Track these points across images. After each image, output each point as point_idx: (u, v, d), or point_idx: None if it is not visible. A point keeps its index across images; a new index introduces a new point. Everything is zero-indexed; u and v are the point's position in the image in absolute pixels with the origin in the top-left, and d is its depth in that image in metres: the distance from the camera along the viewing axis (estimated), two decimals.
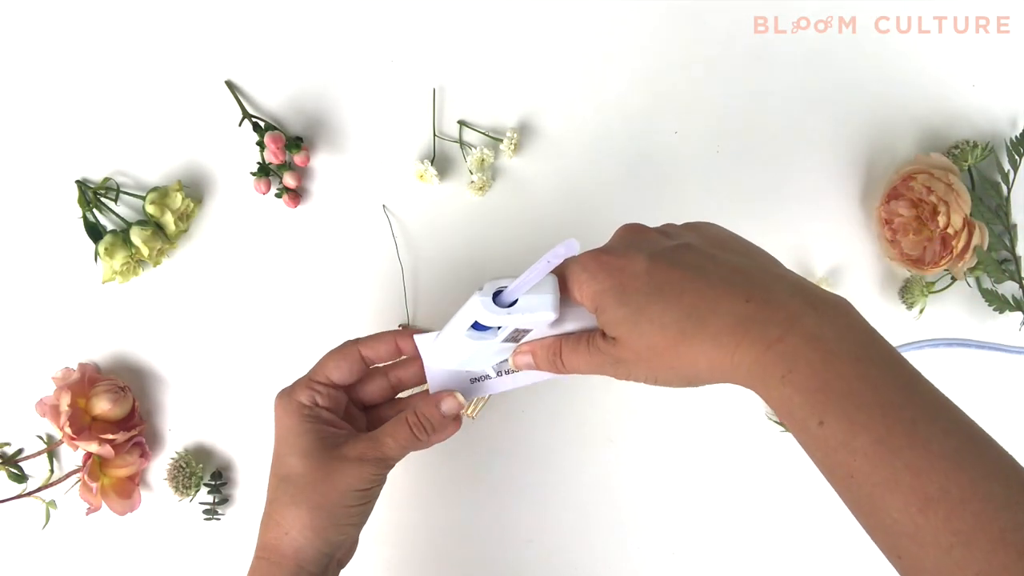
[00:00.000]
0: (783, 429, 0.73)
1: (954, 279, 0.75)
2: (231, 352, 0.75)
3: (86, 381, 0.71)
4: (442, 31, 0.76)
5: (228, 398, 0.74)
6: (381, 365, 0.61)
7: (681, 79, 0.76)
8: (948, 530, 0.37)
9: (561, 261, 0.47)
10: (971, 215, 0.71)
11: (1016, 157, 0.74)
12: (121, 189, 0.74)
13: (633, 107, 0.76)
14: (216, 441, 0.75)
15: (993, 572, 0.36)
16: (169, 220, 0.71)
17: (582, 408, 0.75)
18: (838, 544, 0.75)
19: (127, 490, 0.72)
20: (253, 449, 0.74)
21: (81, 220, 0.73)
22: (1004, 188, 0.74)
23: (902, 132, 0.77)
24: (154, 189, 0.72)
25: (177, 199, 0.72)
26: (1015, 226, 0.74)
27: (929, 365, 0.74)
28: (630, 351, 0.48)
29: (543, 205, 0.76)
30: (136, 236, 0.71)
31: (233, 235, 0.75)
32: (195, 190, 0.75)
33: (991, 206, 0.74)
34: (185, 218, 0.74)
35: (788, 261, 0.74)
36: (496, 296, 0.51)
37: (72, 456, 0.72)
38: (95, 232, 0.73)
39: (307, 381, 0.58)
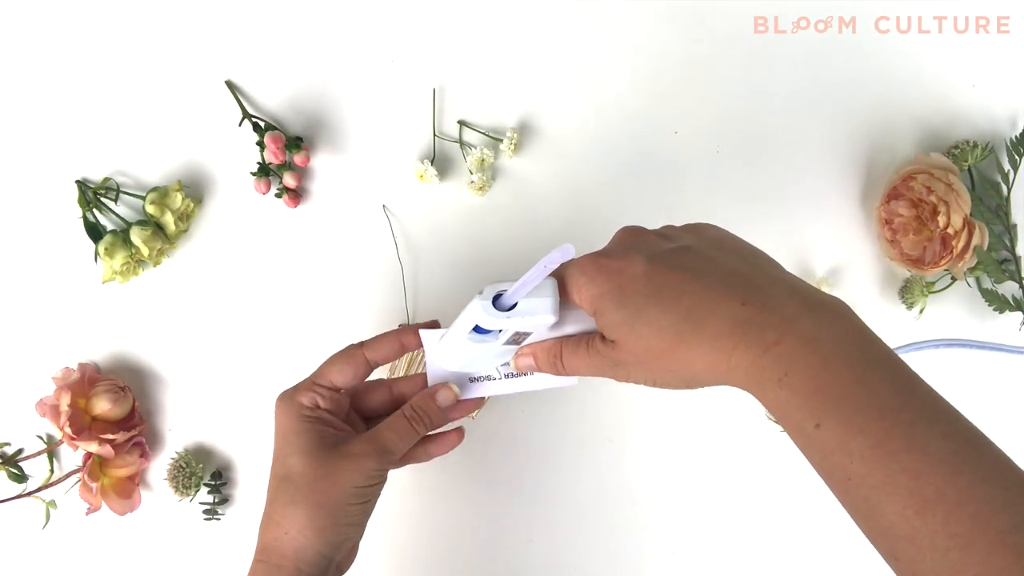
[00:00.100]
0: (782, 430, 0.72)
1: (954, 279, 0.75)
2: (231, 352, 0.75)
3: (86, 381, 0.71)
4: (442, 31, 0.76)
5: (228, 398, 0.74)
6: (385, 378, 0.62)
7: (681, 79, 0.76)
8: (945, 533, 0.37)
9: (557, 266, 0.47)
10: (971, 215, 0.71)
11: (1016, 157, 0.74)
12: (121, 189, 0.74)
13: (633, 107, 0.76)
14: (216, 441, 0.75)
15: (990, 574, 0.36)
16: (169, 220, 0.71)
17: (581, 408, 0.75)
18: (837, 545, 0.75)
19: (127, 490, 0.72)
20: (253, 449, 0.74)
21: (81, 220, 0.73)
22: (1004, 188, 0.74)
23: (902, 132, 0.77)
24: (154, 189, 0.72)
25: (177, 199, 0.72)
26: (1015, 226, 0.74)
27: (929, 365, 0.74)
28: (628, 354, 0.49)
29: (543, 205, 0.76)
30: (136, 236, 0.71)
31: (233, 235, 0.75)
32: (195, 190, 0.75)
33: (991, 206, 0.74)
34: (185, 218, 0.74)
35: (788, 261, 0.74)
36: (496, 300, 0.51)
37: (72, 456, 0.72)
38: (95, 232, 0.73)
39: (309, 384, 0.58)
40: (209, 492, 0.73)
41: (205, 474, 0.74)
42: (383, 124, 0.76)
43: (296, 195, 0.74)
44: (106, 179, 0.74)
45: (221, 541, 0.74)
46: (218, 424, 0.75)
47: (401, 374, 0.73)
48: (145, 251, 0.71)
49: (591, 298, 0.49)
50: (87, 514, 0.70)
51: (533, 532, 0.75)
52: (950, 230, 0.71)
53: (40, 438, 0.74)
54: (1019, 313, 0.74)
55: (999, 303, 0.73)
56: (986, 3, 0.77)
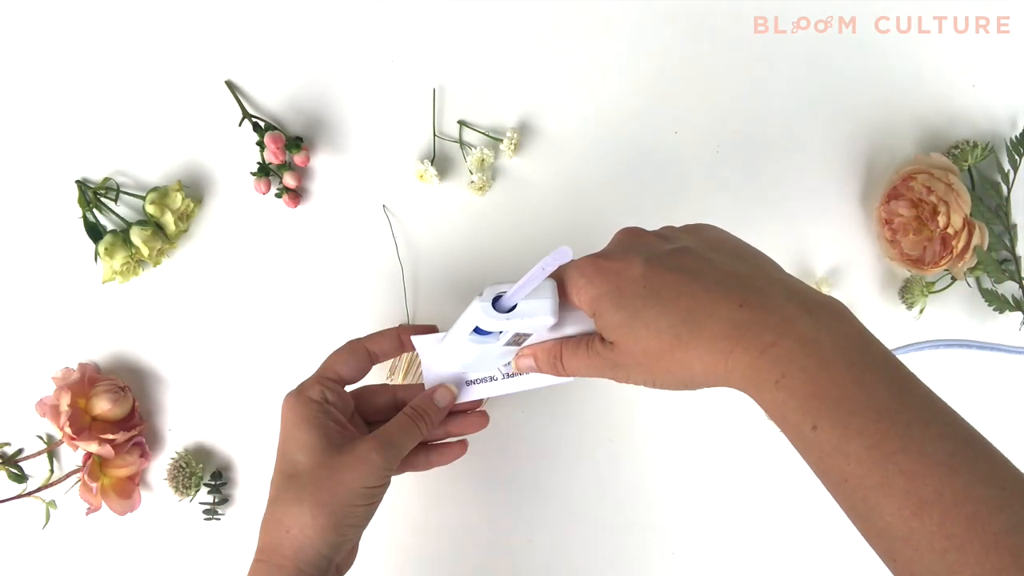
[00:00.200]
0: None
1: (954, 279, 0.75)
2: (231, 352, 0.75)
3: (86, 381, 0.71)
4: (442, 31, 0.76)
5: (228, 398, 0.74)
6: (389, 383, 0.64)
7: (681, 79, 0.76)
8: (942, 534, 0.37)
9: (555, 268, 0.47)
10: (971, 215, 0.71)
11: (1016, 157, 0.74)
12: (121, 189, 0.74)
13: (633, 107, 0.76)
14: (216, 441, 0.75)
15: (987, 575, 0.36)
16: (169, 220, 0.72)
17: (581, 408, 0.75)
18: (836, 545, 0.75)
19: (127, 490, 0.72)
20: (253, 449, 0.75)
21: (81, 220, 0.73)
22: (1004, 188, 0.74)
23: (902, 132, 0.77)
24: (154, 189, 0.72)
25: (177, 199, 0.72)
26: (1015, 226, 0.74)
27: (929, 365, 0.74)
28: (627, 355, 0.49)
29: (543, 205, 0.76)
30: (136, 236, 0.71)
31: (233, 235, 0.75)
32: (195, 190, 0.75)
33: (991, 206, 0.74)
34: (185, 218, 0.74)
35: (788, 261, 0.74)
36: (496, 301, 0.52)
37: (72, 456, 0.73)
38: (95, 232, 0.73)
39: (317, 378, 0.59)
40: (209, 492, 0.73)
41: (205, 474, 0.74)
42: (383, 124, 0.76)
43: (296, 195, 0.74)
44: (106, 179, 0.74)
45: (221, 541, 0.74)
46: (218, 424, 0.75)
47: (401, 375, 0.73)
48: (145, 251, 0.71)
49: (590, 300, 0.49)
50: (87, 514, 0.70)
51: (533, 532, 0.75)
52: (950, 230, 0.71)
53: (40, 438, 0.74)
54: (1019, 313, 0.74)
55: (999, 303, 0.73)
56: (986, 3, 0.77)
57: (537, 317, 0.51)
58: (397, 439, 0.56)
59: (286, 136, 0.73)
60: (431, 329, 0.61)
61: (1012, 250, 0.74)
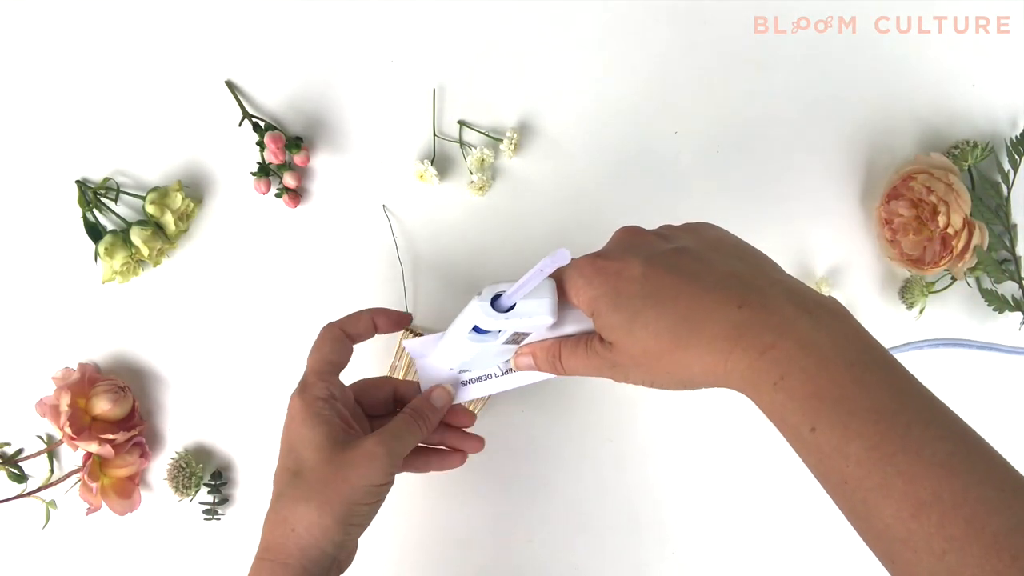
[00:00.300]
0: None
1: (954, 279, 0.75)
2: (231, 352, 0.75)
3: (86, 381, 0.71)
4: (442, 31, 0.76)
5: (228, 398, 0.74)
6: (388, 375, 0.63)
7: (681, 79, 0.76)
8: (941, 535, 0.36)
9: (553, 270, 0.47)
10: (971, 215, 0.71)
11: (1016, 157, 0.74)
12: (121, 189, 0.74)
13: (633, 107, 0.76)
14: (216, 441, 0.75)
15: None
16: (169, 220, 0.72)
17: (581, 408, 0.75)
18: (836, 546, 0.75)
19: (127, 490, 0.72)
20: (253, 449, 0.75)
21: (81, 220, 0.73)
22: (1004, 188, 0.74)
23: (902, 132, 0.77)
24: (154, 189, 0.72)
25: (177, 199, 0.72)
26: (1015, 226, 0.74)
27: (929, 365, 0.74)
28: (625, 355, 0.49)
29: (543, 205, 0.76)
30: (136, 236, 0.71)
31: (233, 235, 0.75)
32: (195, 190, 0.75)
33: (991, 206, 0.74)
34: (185, 218, 0.74)
35: (788, 261, 0.74)
36: (495, 300, 0.52)
37: (72, 456, 0.73)
38: (95, 232, 0.73)
39: (316, 374, 0.58)
40: (209, 492, 0.73)
41: (205, 474, 0.74)
42: (383, 124, 0.76)
43: (296, 195, 0.74)
44: (106, 179, 0.74)
45: (221, 541, 0.74)
46: (218, 424, 0.75)
47: (401, 375, 0.73)
48: (145, 251, 0.71)
49: (589, 300, 0.49)
50: (87, 514, 0.70)
51: (533, 532, 0.75)
52: (950, 230, 0.71)
53: (40, 438, 0.74)
54: (1019, 313, 0.74)
55: (999, 303, 0.73)
56: (986, 3, 0.76)
57: (536, 317, 0.51)
58: (400, 438, 0.56)
59: (286, 136, 0.73)
60: (406, 317, 0.61)
61: (1012, 250, 0.74)
